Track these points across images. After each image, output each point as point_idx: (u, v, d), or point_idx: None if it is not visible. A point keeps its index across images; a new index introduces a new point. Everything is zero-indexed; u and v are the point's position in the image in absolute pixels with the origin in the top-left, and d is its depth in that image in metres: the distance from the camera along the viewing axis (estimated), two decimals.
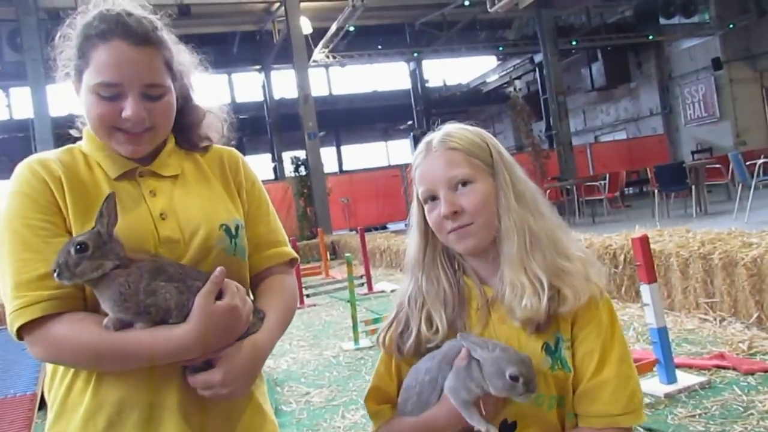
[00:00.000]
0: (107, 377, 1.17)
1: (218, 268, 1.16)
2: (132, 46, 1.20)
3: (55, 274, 1.09)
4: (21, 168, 1.23)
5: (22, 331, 1.13)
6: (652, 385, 3.11)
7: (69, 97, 1.31)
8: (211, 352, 1.14)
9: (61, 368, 1.21)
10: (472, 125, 1.35)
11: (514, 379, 1.10)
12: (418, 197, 1.33)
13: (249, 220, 1.38)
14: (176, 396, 1.18)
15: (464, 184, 1.25)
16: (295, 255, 1.45)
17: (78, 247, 1.09)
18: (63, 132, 1.42)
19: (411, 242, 1.37)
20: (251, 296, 1.36)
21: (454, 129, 1.32)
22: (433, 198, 1.27)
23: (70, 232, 1.18)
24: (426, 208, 1.29)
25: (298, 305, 7.76)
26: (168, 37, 1.30)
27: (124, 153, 1.25)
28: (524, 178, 1.31)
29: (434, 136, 1.32)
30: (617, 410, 1.17)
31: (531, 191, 1.30)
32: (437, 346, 1.27)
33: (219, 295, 1.15)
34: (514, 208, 1.25)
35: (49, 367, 1.24)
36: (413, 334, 1.29)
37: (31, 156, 1.26)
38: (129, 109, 1.20)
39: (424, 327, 1.28)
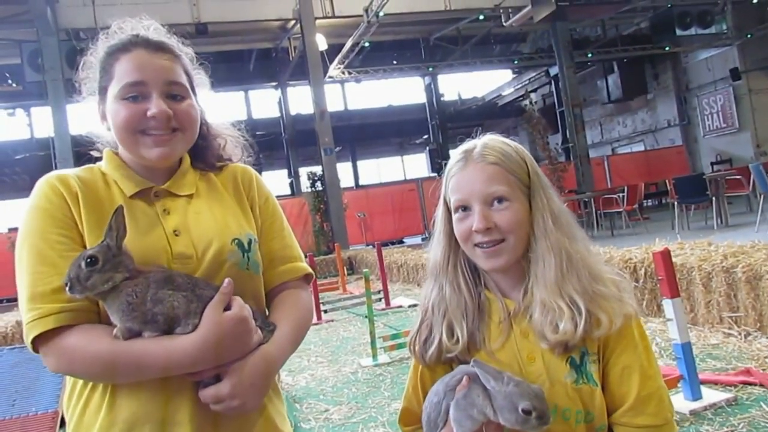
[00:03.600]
0: (122, 393, 1.18)
1: (226, 279, 1.18)
2: (152, 52, 1.29)
3: (67, 288, 1.11)
4: (41, 183, 1.26)
5: (36, 343, 1.15)
6: (677, 402, 3.05)
7: (89, 116, 1.36)
8: (221, 363, 1.14)
9: (79, 385, 1.23)
10: (512, 140, 1.34)
11: (527, 413, 1.10)
12: (446, 204, 1.33)
13: (263, 236, 1.39)
14: (188, 411, 1.18)
15: (500, 201, 1.25)
16: (310, 270, 1.45)
17: (88, 260, 1.11)
18: (83, 150, 1.45)
19: (436, 248, 1.36)
20: (266, 311, 1.37)
21: (496, 143, 1.31)
22: (465, 208, 1.27)
23: (85, 247, 1.20)
24: (455, 217, 1.29)
25: (316, 321, 7.75)
26: (186, 57, 1.37)
27: (154, 158, 1.27)
28: (559, 200, 1.31)
29: (474, 147, 1.31)
30: (659, 421, 1.19)
31: (565, 214, 1.30)
32: (457, 357, 1.27)
33: (228, 308, 1.16)
34: (551, 231, 1.25)
35: (68, 384, 1.26)
36: (435, 342, 1.30)
37: (52, 172, 1.29)
38: (154, 106, 1.25)
39: (445, 336, 1.28)
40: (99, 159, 1.38)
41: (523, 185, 1.28)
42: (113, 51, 1.29)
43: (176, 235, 1.26)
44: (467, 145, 1.32)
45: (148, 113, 1.24)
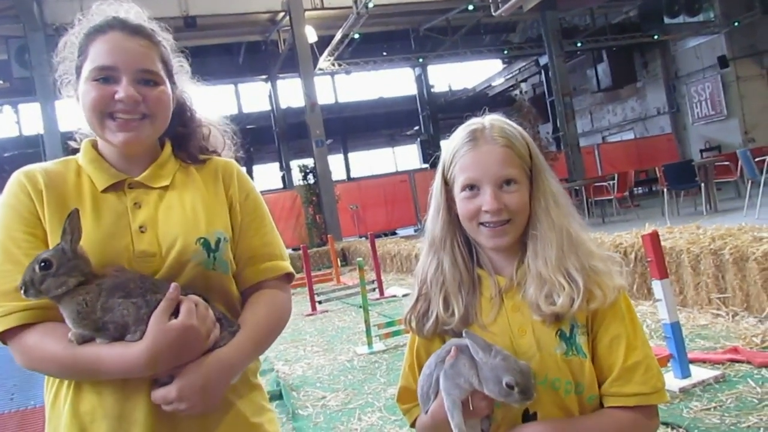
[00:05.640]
0: (84, 387, 1.20)
1: (172, 284, 1.16)
2: (127, 35, 1.28)
3: (22, 291, 1.12)
4: (11, 179, 1.27)
5: (4, 338, 1.18)
6: (667, 380, 3.10)
7: (75, 110, 1.34)
8: (171, 367, 1.14)
9: (51, 378, 1.25)
10: (516, 122, 1.37)
11: (510, 387, 1.13)
12: (445, 180, 1.35)
13: (242, 233, 1.37)
14: (144, 410, 1.18)
15: (509, 183, 1.28)
16: (291, 270, 1.42)
17: (42, 264, 1.12)
18: (72, 147, 1.44)
19: (435, 222, 1.38)
20: (239, 310, 1.35)
21: (503, 124, 1.33)
22: (472, 188, 1.29)
23: (49, 245, 1.21)
24: (462, 195, 1.31)
25: (311, 312, 7.76)
26: (166, 43, 1.36)
27: (118, 143, 1.26)
28: (556, 181, 1.34)
29: (482, 127, 1.32)
30: (648, 389, 1.22)
31: (563, 195, 1.34)
32: (453, 330, 1.31)
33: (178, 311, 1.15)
34: (552, 210, 1.29)
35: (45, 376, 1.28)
36: (433, 315, 1.33)
37: (24, 167, 1.30)
38: (122, 90, 1.23)
39: (441, 309, 1.31)
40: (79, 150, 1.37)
41: (527, 167, 1.31)
42: (91, 32, 1.28)
43: (141, 232, 1.25)
44: (473, 124, 1.34)
45: (116, 96, 1.23)
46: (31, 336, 1.17)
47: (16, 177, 1.27)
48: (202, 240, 1.27)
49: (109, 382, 1.17)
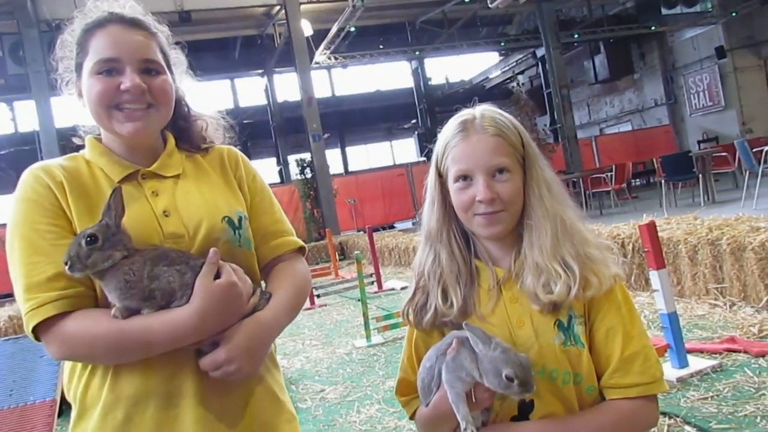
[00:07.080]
0: (122, 371, 1.20)
1: (212, 249, 1.20)
2: (126, 28, 1.30)
3: (67, 267, 1.13)
4: (25, 175, 1.27)
5: (37, 332, 1.17)
6: (664, 369, 3.10)
7: (73, 106, 1.36)
8: (216, 331, 1.17)
9: (78, 368, 1.25)
10: (513, 114, 1.37)
11: (509, 379, 1.13)
12: (438, 172, 1.35)
13: (252, 213, 1.42)
14: (192, 383, 1.21)
15: (501, 171, 1.28)
16: (302, 243, 1.48)
17: (88, 239, 1.13)
18: (69, 143, 1.45)
19: (430, 215, 1.38)
20: (263, 286, 1.39)
21: (494, 114, 1.33)
22: (466, 178, 1.29)
23: (75, 234, 1.21)
24: (456, 186, 1.31)
25: (309, 306, 7.76)
26: (162, 36, 1.38)
27: (127, 134, 1.28)
28: (550, 170, 1.34)
29: (473, 117, 1.32)
30: (647, 379, 1.22)
31: (557, 183, 1.34)
32: (452, 322, 1.30)
33: (217, 276, 1.19)
34: (546, 198, 1.29)
35: (67, 368, 1.28)
36: (431, 308, 1.33)
37: (35, 163, 1.30)
38: (128, 80, 1.25)
39: (440, 300, 1.31)
40: (82, 147, 1.39)
41: (519, 156, 1.31)
42: (89, 27, 1.30)
43: (166, 216, 1.27)
44: (464, 115, 1.34)
45: (122, 87, 1.25)
46: (70, 323, 1.16)
47: (31, 172, 1.27)
48: (226, 218, 1.31)
49: (152, 361, 1.18)
